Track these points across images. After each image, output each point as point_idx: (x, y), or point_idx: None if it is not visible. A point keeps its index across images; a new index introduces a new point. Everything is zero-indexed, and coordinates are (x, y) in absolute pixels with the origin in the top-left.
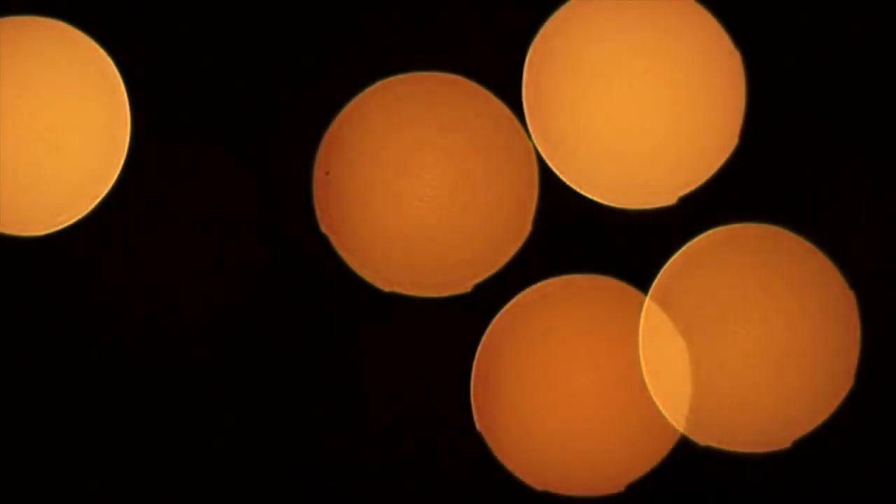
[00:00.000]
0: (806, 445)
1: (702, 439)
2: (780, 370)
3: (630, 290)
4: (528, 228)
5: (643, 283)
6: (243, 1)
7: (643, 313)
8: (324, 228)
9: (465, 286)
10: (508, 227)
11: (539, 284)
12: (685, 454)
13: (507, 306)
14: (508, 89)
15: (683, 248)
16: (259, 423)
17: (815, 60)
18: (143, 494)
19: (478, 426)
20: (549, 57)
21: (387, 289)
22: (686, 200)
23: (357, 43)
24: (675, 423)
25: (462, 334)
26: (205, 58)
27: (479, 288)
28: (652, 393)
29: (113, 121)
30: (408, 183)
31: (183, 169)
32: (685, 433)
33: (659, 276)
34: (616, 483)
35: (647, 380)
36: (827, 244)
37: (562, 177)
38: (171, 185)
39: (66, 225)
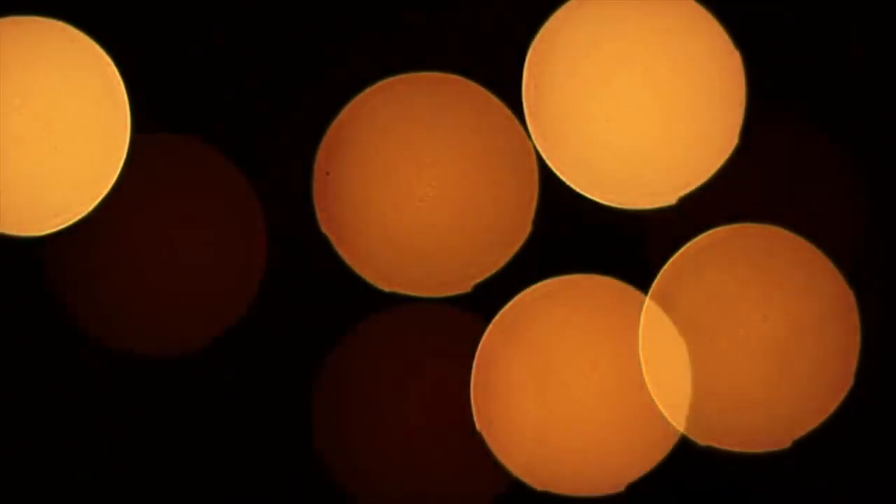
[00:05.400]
0: (806, 445)
1: (702, 439)
2: (780, 370)
3: (630, 290)
4: (528, 228)
5: (643, 283)
6: (243, 1)
7: (643, 313)
8: (324, 228)
9: (466, 286)
10: (508, 228)
11: (539, 284)
12: (685, 454)
13: (508, 306)
14: (508, 89)
15: (683, 248)
16: (259, 423)
17: (815, 60)
18: (143, 494)
19: (477, 426)
20: (549, 57)
21: (387, 289)
22: (686, 200)
23: (357, 43)
24: (675, 423)
25: (462, 334)
26: (204, 58)
27: (479, 288)
28: (651, 393)
29: (112, 121)
30: (408, 183)
31: (183, 169)
32: (685, 433)
33: (659, 275)
34: (616, 483)
35: (647, 380)
36: (827, 244)
37: (562, 177)
38: (171, 184)
39: (66, 225)
